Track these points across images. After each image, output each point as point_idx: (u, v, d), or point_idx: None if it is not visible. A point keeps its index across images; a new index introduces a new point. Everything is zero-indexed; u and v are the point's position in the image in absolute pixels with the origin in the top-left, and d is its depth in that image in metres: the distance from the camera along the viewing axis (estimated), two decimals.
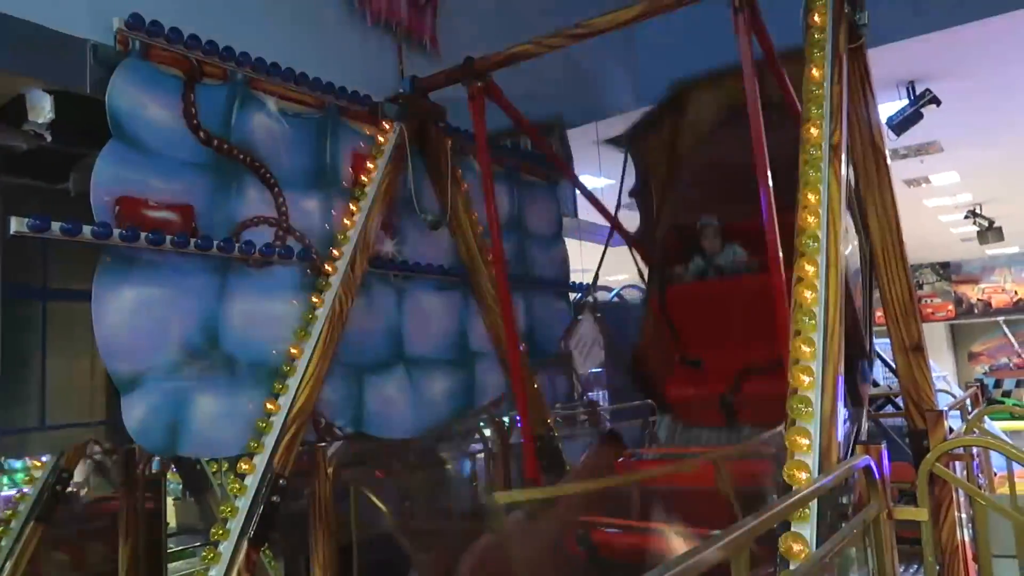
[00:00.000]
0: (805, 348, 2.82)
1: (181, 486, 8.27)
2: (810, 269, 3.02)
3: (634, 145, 6.62)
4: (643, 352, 5.99)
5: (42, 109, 3.68)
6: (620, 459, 5.17)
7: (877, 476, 2.65)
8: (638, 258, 6.32)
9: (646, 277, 6.28)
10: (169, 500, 7.01)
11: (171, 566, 6.45)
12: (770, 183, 3.59)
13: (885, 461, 2.82)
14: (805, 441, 2.57)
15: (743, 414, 5.44)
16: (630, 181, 6.62)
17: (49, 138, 3.76)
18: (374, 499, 4.68)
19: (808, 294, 2.94)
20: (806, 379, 2.74)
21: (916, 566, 4.95)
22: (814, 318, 2.86)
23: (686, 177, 6.32)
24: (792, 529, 2.39)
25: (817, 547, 2.32)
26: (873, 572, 2.71)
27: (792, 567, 2.26)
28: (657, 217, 6.44)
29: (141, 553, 5.75)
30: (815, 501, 2.37)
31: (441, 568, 4.25)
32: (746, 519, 1.82)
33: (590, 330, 5.58)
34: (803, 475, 2.49)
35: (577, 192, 8.52)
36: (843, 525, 2.48)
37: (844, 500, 2.59)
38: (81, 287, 3.80)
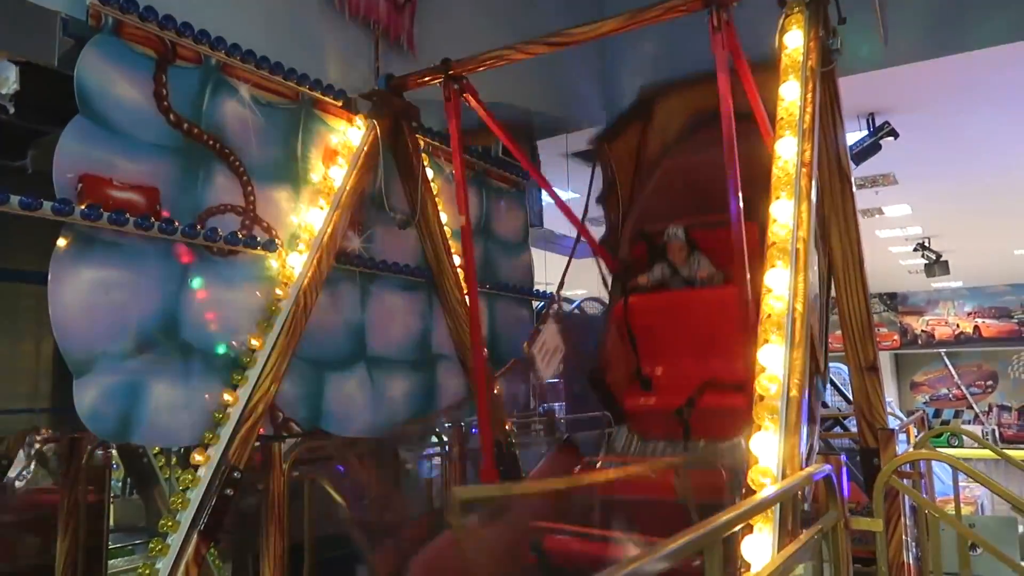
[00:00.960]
0: (772, 358, 2.87)
1: (121, 483, 7.99)
2: (779, 282, 3.08)
3: (601, 150, 6.64)
4: (603, 362, 5.98)
5: (6, 80, 3.56)
6: (578, 467, 5.17)
7: (836, 485, 2.70)
8: (602, 265, 6.29)
9: (609, 285, 6.29)
10: None
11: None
12: (740, 194, 3.67)
13: (844, 473, 2.88)
14: (770, 448, 2.61)
15: (698, 429, 5.41)
16: (598, 188, 6.66)
17: (12, 110, 3.63)
18: (332, 492, 4.58)
19: (777, 306, 2.99)
20: (772, 388, 2.79)
21: None
22: (782, 329, 2.91)
23: (652, 183, 6.38)
24: (754, 533, 2.42)
25: (778, 552, 2.35)
26: None
27: (753, 571, 2.29)
28: (622, 223, 6.49)
29: (80, 548, 5.56)
30: (777, 506, 2.40)
31: (392, 566, 4.19)
32: (713, 518, 1.83)
33: (553, 337, 5.56)
34: (767, 480, 2.53)
35: (543, 203, 8.59)
36: (803, 532, 2.52)
37: (806, 508, 2.64)
38: (30, 268, 3.68)
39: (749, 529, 2.43)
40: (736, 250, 3.70)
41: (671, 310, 5.71)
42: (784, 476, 2.54)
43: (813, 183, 3.33)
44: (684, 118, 6.28)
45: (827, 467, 2.66)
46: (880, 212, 13.11)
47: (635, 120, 6.67)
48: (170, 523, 3.56)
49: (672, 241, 5.75)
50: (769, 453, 2.60)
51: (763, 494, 2.31)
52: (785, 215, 3.18)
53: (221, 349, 4.05)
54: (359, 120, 5.02)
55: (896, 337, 22.99)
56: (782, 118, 3.50)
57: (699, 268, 5.72)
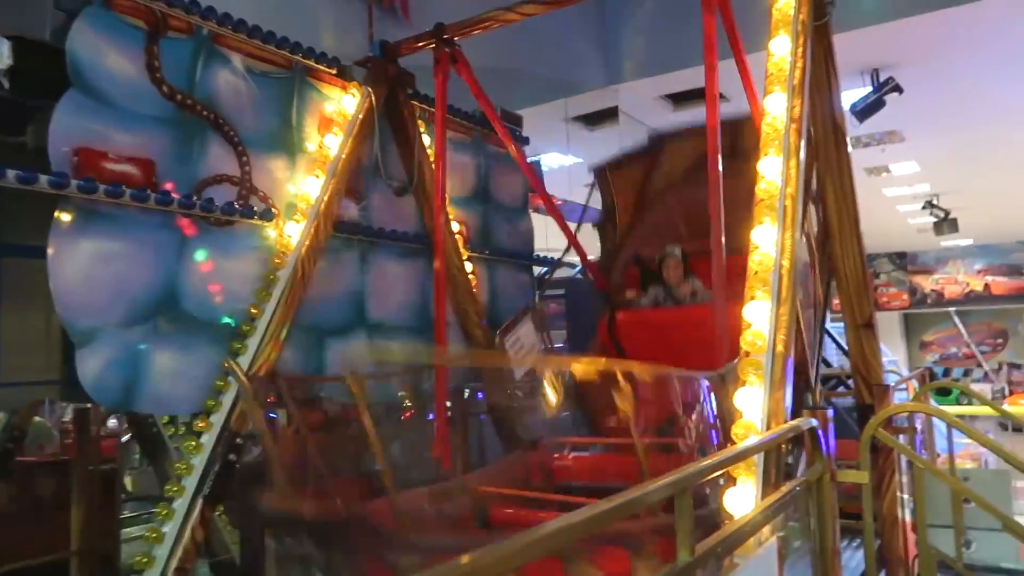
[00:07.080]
0: (758, 314, 2.90)
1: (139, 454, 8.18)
2: (766, 239, 3.09)
3: (603, 177, 6.87)
4: None
5: (0, 55, 3.58)
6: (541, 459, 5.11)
7: (822, 438, 2.74)
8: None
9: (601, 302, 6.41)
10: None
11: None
12: (720, 194, 3.67)
13: (831, 427, 2.92)
14: (754, 403, 2.65)
15: None
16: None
17: (7, 84, 3.66)
18: None
19: (763, 262, 3.01)
20: (757, 343, 2.81)
21: (857, 541, 5.10)
22: (768, 284, 2.94)
23: (653, 215, 6.57)
24: (737, 486, 2.46)
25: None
26: (814, 534, 2.79)
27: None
28: (618, 250, 6.68)
29: (95, 515, 5.69)
30: (760, 457, 2.44)
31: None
32: (692, 464, 1.87)
33: (529, 336, 5.37)
34: (750, 433, 2.57)
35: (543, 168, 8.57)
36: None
37: (790, 460, 2.68)
38: (37, 243, 3.73)
39: (732, 482, 2.48)
40: (714, 252, 3.65)
41: (659, 326, 5.70)
42: (768, 430, 2.58)
43: (803, 140, 3.32)
44: (691, 159, 6.26)
45: (812, 420, 2.70)
46: (887, 170, 12.99)
47: (643, 156, 6.84)
48: (176, 488, 3.66)
49: (669, 259, 5.82)
50: (753, 408, 2.64)
51: (744, 444, 2.35)
52: (773, 172, 3.18)
53: (221, 318, 4.11)
54: (354, 88, 5.01)
55: (905, 297, 22.89)
56: (772, 73, 3.47)
57: (693, 290, 5.76)
